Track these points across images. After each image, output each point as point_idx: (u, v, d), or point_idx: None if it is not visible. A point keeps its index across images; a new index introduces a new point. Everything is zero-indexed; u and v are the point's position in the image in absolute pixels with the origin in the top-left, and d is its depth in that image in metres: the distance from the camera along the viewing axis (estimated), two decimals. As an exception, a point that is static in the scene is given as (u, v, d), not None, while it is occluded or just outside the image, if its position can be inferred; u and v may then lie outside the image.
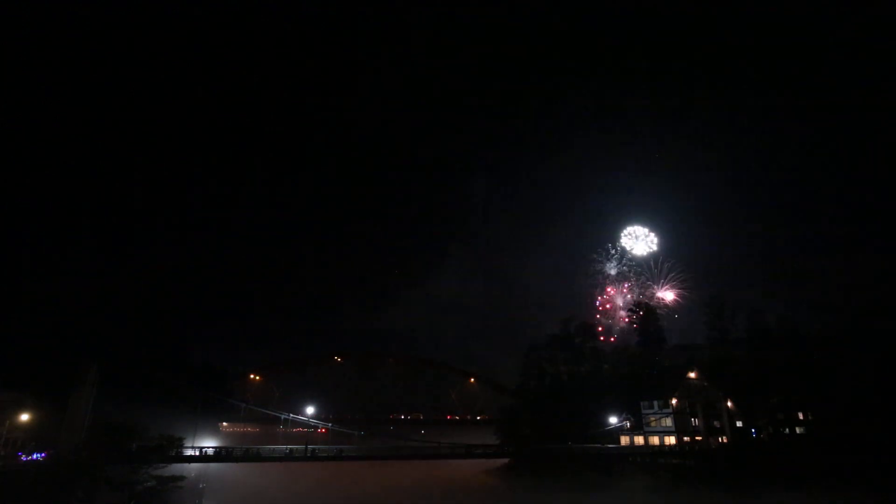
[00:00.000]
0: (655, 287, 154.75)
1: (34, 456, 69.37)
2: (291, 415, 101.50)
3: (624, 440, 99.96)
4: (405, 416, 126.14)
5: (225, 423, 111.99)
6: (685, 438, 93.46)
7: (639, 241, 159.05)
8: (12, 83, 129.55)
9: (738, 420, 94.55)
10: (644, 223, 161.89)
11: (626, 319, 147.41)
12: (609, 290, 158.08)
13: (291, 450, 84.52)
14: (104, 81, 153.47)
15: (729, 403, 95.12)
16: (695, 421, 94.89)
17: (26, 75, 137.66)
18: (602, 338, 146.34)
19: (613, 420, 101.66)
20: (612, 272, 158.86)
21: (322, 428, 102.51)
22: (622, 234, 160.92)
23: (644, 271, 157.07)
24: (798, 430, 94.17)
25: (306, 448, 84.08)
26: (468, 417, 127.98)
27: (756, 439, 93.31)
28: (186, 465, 77.36)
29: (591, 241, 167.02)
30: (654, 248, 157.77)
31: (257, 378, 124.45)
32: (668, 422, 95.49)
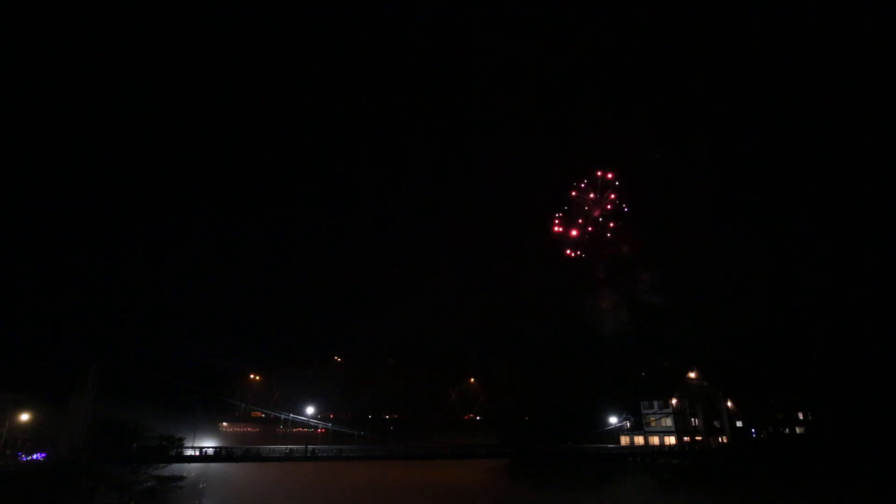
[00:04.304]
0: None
1: (34, 456, 69.47)
2: (291, 415, 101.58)
3: (624, 440, 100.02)
4: (405, 416, 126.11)
5: (225, 423, 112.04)
6: (685, 438, 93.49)
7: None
8: (13, 83, 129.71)
9: (738, 420, 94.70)
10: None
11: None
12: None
13: (291, 450, 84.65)
14: (107, 82, 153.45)
15: (729, 403, 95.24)
16: (695, 421, 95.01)
17: (28, 75, 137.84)
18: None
19: (613, 420, 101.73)
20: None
21: (322, 428, 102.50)
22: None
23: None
24: (798, 430, 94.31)
25: (306, 448, 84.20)
26: (468, 417, 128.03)
27: (756, 439, 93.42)
28: (186, 465, 77.42)
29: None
30: None
31: (257, 378, 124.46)
32: (668, 422, 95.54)
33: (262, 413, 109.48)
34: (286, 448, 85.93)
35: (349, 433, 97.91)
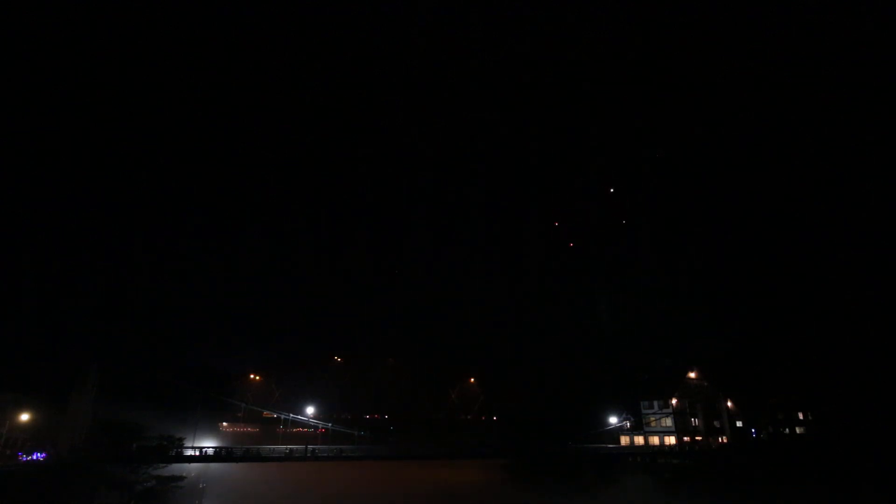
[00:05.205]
0: None
1: (34, 456, 69.44)
2: (291, 415, 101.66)
3: (624, 440, 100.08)
4: (405, 417, 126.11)
5: (225, 423, 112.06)
6: (685, 438, 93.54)
7: None
8: (13, 83, 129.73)
9: (738, 420, 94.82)
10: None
11: None
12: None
13: (291, 450, 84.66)
14: (107, 82, 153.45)
15: (729, 403, 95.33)
16: (695, 421, 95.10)
17: (28, 75, 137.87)
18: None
19: (613, 420, 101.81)
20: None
21: (322, 428, 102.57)
22: None
23: None
24: (798, 430, 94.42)
25: (306, 448, 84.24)
26: (468, 417, 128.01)
27: (756, 439, 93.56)
28: (186, 465, 77.38)
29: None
30: None
31: (257, 378, 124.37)
32: (668, 422, 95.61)
33: (271, 414, 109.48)
34: (286, 448, 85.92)
35: (349, 433, 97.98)
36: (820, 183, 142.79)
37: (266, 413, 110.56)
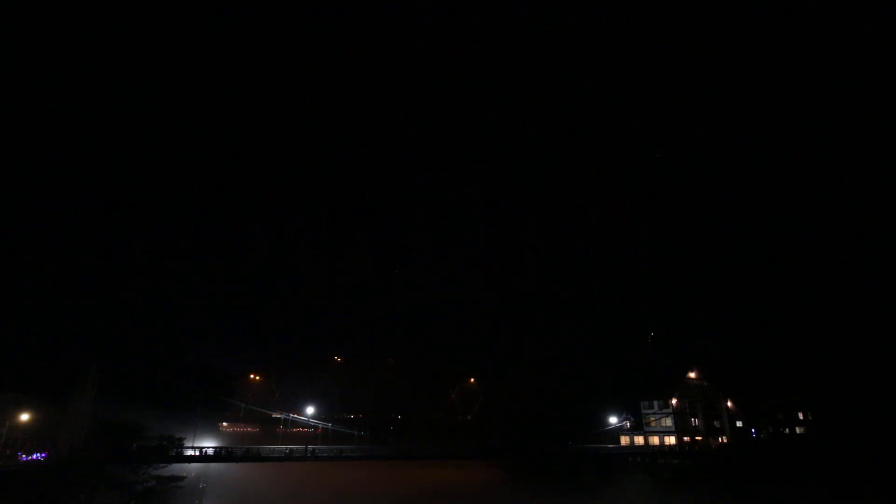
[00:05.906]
0: None
1: (34, 456, 69.48)
2: (291, 415, 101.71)
3: (624, 440, 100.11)
4: (405, 417, 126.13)
5: (225, 423, 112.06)
6: (685, 438, 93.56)
7: None
8: (13, 83, 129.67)
9: (738, 420, 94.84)
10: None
11: None
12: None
13: (291, 450, 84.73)
14: (107, 82, 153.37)
15: (729, 403, 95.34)
16: (695, 421, 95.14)
17: (28, 75, 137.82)
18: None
19: (613, 420, 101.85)
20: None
21: (322, 428, 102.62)
22: None
23: None
24: (798, 430, 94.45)
25: (306, 448, 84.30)
26: (468, 417, 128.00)
27: (756, 439, 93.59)
28: (186, 465, 77.45)
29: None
30: None
31: (257, 378, 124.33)
32: (668, 422, 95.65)
33: (271, 414, 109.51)
34: (286, 448, 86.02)
35: (349, 433, 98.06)
36: (820, 183, 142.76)
37: (257, 412, 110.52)
